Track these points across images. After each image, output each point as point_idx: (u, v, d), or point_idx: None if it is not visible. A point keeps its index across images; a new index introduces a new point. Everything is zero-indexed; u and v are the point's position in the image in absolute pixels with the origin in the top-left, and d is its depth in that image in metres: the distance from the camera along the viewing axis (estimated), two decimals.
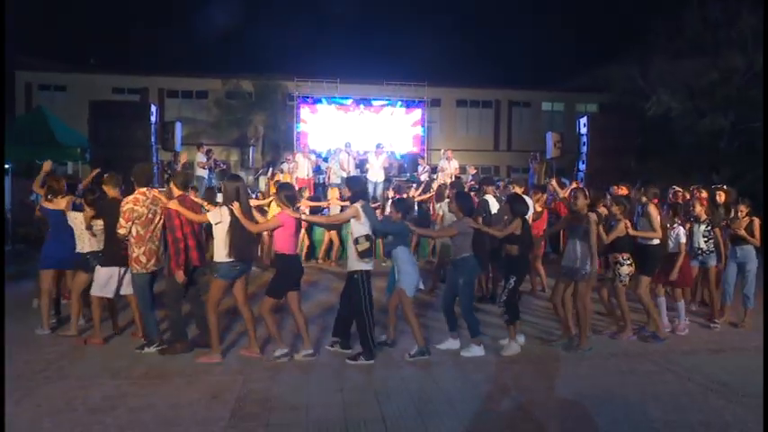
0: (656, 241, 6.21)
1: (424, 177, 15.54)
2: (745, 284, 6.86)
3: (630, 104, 19.95)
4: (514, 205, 5.88)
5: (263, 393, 4.56)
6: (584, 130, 15.02)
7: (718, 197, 7.63)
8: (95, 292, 5.76)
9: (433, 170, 15.82)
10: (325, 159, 16.77)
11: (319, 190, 14.19)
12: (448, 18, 57.98)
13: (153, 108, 13.74)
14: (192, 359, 5.35)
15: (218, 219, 5.17)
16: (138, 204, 5.40)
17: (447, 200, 8.06)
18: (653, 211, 6.17)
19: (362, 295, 5.30)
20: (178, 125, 15.32)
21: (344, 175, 14.81)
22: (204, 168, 14.97)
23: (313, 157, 16.05)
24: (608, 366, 5.38)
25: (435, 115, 25.70)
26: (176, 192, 5.59)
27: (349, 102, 21.28)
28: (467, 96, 27.63)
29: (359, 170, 15.31)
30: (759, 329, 6.40)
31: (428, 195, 11.66)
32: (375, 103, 21.45)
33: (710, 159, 18.29)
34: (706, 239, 6.81)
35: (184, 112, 24.81)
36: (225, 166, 17.20)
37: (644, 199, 6.39)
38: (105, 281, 5.73)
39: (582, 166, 15.00)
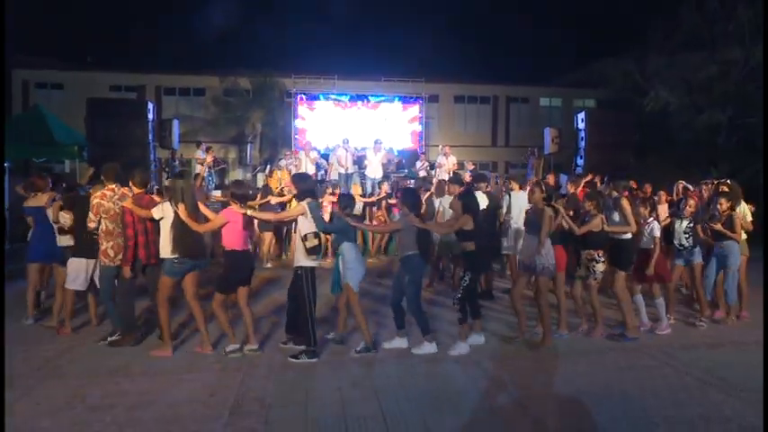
0: (629, 235, 6.13)
1: (422, 174, 15.52)
2: (725, 280, 6.72)
3: (628, 100, 19.92)
4: (466, 202, 5.72)
5: (262, 391, 4.56)
6: (581, 126, 15.03)
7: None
8: (67, 285, 6.03)
9: (431, 166, 15.81)
10: (324, 156, 16.77)
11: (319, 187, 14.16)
12: (445, 14, 57.87)
13: (150, 106, 13.70)
14: (191, 357, 5.36)
15: (160, 214, 5.31)
16: (105, 199, 5.68)
17: (447, 195, 8.05)
18: (626, 204, 6.08)
19: (307, 292, 5.28)
20: (176, 123, 15.29)
21: (343, 171, 14.81)
22: (204, 165, 14.95)
23: (314, 154, 16.02)
24: (606, 362, 5.38)
25: (433, 111, 25.65)
26: (135, 190, 5.77)
27: (347, 98, 21.24)
28: (464, 92, 27.58)
29: (357, 166, 15.29)
30: (758, 324, 6.40)
31: (428, 193, 11.62)
32: (373, 99, 21.39)
33: (708, 155, 18.26)
34: (687, 236, 6.63)
35: (182, 109, 24.75)
36: (225, 165, 17.18)
37: (614, 193, 6.26)
38: (75, 273, 5.98)
39: (580, 162, 15.01)
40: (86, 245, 5.91)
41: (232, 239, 5.30)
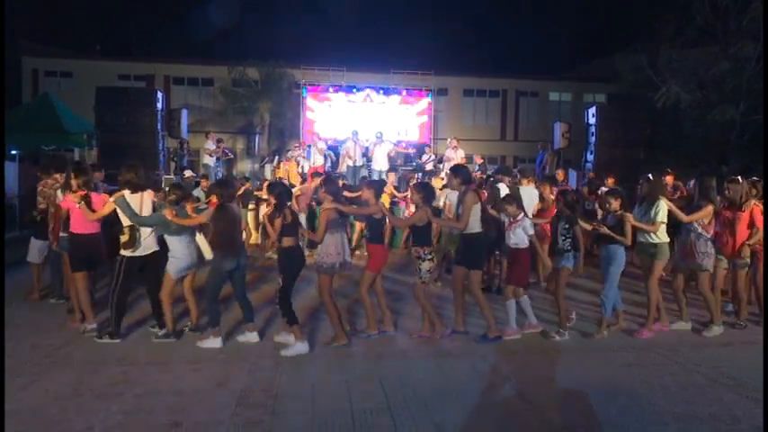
0: (477, 230, 5.72)
1: (429, 167, 15.46)
2: (604, 287, 6.00)
3: (639, 95, 19.72)
4: (279, 196, 5.40)
5: (269, 382, 4.57)
6: (592, 121, 14.92)
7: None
8: (28, 258, 7.14)
9: (439, 160, 15.74)
10: (332, 149, 16.74)
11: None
12: (455, 7, 57.56)
13: (159, 95, 13.72)
14: (199, 347, 5.37)
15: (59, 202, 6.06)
16: (46, 187, 6.70)
17: (450, 190, 7.95)
18: (468, 197, 5.62)
19: (115, 278, 5.51)
20: (184, 112, 15.31)
21: (351, 163, 14.79)
22: (212, 156, 14.95)
23: (321, 144, 15.97)
24: (615, 359, 5.34)
25: (442, 104, 25.55)
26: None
27: (355, 90, 21.15)
28: (474, 86, 27.44)
29: (365, 159, 15.26)
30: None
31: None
32: (382, 91, 21.31)
33: (720, 152, 18.08)
34: (563, 238, 5.95)
35: (190, 99, 24.75)
36: (231, 155, 17.18)
37: (462, 187, 5.84)
38: (36, 251, 7.09)
39: (590, 157, 14.92)
40: (43, 229, 6.80)
41: (74, 223, 5.71)
